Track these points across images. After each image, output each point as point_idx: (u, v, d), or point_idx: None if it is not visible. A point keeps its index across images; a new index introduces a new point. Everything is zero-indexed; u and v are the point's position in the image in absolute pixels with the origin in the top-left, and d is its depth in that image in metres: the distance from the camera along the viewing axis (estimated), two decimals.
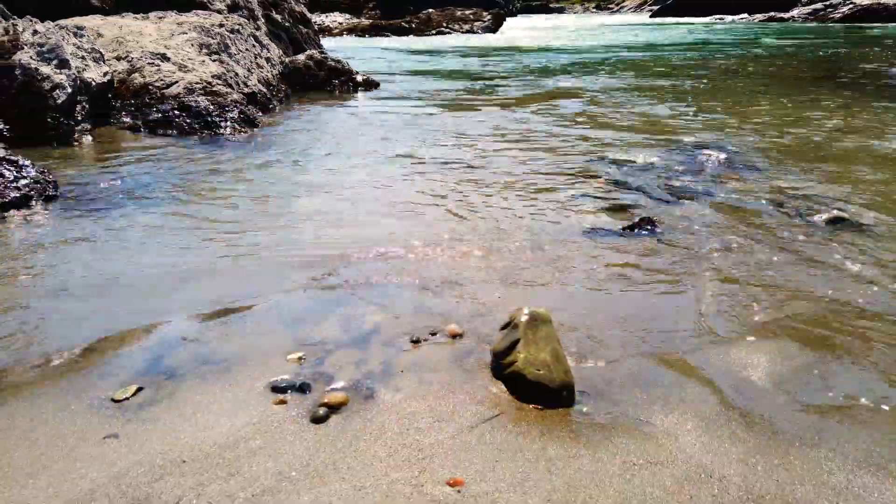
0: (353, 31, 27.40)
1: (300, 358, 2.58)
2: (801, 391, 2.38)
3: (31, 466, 1.97)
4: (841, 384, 2.42)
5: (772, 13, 35.89)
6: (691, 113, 8.16)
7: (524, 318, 2.47)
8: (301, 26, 12.83)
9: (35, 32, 6.56)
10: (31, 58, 6.21)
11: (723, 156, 5.47)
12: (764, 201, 4.53)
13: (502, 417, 2.22)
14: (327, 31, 26.48)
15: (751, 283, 3.27)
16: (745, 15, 37.60)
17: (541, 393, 2.30)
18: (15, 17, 7.46)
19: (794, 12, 34.86)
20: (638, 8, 47.09)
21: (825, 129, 6.96)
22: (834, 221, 3.97)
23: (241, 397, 2.32)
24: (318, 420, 2.19)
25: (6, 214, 4.27)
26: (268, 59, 9.77)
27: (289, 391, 2.35)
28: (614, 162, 5.58)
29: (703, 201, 4.54)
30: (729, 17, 37.78)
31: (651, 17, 43.11)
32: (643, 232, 3.93)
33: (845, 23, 30.94)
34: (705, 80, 11.63)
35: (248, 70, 8.68)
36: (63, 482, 1.90)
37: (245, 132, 6.88)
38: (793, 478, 1.94)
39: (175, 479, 1.91)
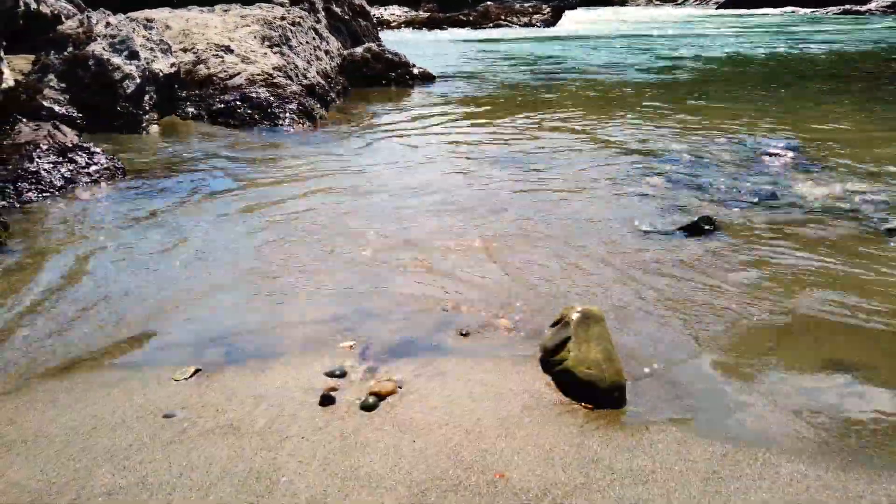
0: (410, 24, 27.51)
1: (352, 346, 2.62)
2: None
3: None
4: None
5: (846, 6, 34.22)
6: (770, 110, 7.86)
7: (576, 317, 2.42)
8: (360, 19, 12.93)
9: (108, 25, 6.84)
10: (103, 49, 6.47)
11: (791, 154, 5.25)
12: (835, 205, 4.33)
13: (549, 413, 2.19)
14: (385, 23, 26.66)
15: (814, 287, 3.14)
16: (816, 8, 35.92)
17: (591, 392, 2.26)
18: (89, 9, 7.80)
19: (872, 5, 33.13)
20: (703, 1, 45.64)
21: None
22: None
23: (295, 384, 2.38)
24: (367, 408, 2.21)
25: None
26: (327, 52, 9.91)
27: (340, 378, 2.39)
28: (675, 160, 5.42)
29: (767, 203, 4.38)
30: (802, 10, 36.19)
31: (717, 9, 41.75)
32: (702, 234, 3.79)
33: None
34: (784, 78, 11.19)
35: (308, 62, 8.82)
36: None
37: (302, 124, 7.00)
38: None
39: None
